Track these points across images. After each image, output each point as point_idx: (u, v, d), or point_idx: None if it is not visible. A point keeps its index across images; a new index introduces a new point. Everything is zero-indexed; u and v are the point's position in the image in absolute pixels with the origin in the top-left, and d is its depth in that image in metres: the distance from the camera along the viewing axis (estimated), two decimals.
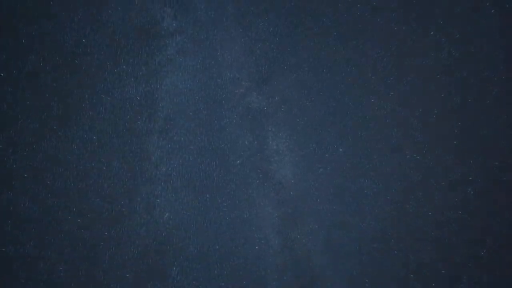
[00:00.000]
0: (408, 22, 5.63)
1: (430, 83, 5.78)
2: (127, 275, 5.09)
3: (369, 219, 5.80)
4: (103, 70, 4.87)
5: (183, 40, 5.05)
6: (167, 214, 5.14)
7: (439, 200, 5.63)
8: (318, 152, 5.63)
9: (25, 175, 4.77)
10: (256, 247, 5.55)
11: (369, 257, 5.61)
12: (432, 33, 5.60)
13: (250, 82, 5.26)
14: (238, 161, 5.39)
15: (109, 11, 4.77)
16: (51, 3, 4.73)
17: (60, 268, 4.97)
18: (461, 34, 5.45)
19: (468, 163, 5.47)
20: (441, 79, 5.76)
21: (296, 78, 5.42)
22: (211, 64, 5.09)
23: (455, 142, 5.62)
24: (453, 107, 5.68)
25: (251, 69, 5.26)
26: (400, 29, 5.63)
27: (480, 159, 5.45)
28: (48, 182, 4.91)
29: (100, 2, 4.76)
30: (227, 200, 5.46)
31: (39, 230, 4.97)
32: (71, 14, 4.79)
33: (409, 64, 5.83)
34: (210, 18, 5.04)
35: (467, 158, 5.51)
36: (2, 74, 4.24)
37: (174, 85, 5.00)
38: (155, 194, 5.29)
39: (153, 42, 5.05)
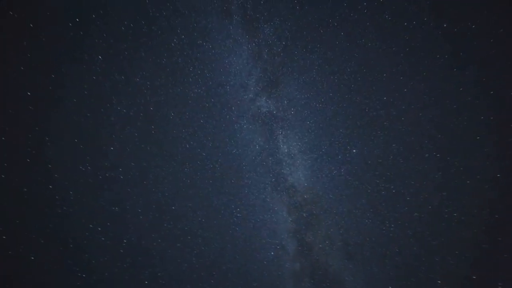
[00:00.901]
0: (419, 18, 4.98)
1: (446, 80, 5.06)
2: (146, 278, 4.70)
3: (389, 222, 5.11)
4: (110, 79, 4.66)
5: (192, 49, 4.76)
6: (180, 222, 4.75)
7: (463, 200, 4.85)
8: (331, 154, 5.09)
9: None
10: (272, 253, 5.09)
11: (391, 261, 4.91)
12: (444, 27, 4.89)
13: (258, 87, 4.92)
14: (250, 166, 4.95)
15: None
16: None
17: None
18: (472, 29, 4.69)
19: (491, 161, 4.65)
20: (458, 76, 5.05)
21: (305, 81, 4.98)
22: (220, 72, 4.79)
23: (476, 140, 4.84)
24: (471, 104, 4.92)
25: (259, 74, 4.92)
26: (410, 25, 4.99)
27: (506, 159, 4.61)
28: None
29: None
30: (240, 205, 5.06)
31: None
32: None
33: (422, 61, 5.15)
34: (217, 27, 4.72)
35: (489, 157, 4.70)
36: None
37: (184, 93, 4.70)
38: (169, 202, 4.96)
39: (165, 53, 4.79)
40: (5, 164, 4.72)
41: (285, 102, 5.03)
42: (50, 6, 4.61)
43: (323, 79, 5.17)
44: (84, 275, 4.92)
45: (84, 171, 4.89)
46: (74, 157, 4.80)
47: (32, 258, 4.87)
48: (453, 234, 4.59)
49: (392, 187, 5.08)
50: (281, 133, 5.02)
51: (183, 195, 5.04)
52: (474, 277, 4.07)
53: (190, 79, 4.91)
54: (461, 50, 4.78)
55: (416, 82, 5.10)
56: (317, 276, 4.83)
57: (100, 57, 4.74)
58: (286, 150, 4.97)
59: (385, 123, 5.13)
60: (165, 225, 5.09)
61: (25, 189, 4.83)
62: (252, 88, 4.92)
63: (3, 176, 4.72)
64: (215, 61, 4.86)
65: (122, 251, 5.02)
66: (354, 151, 5.01)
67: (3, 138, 4.59)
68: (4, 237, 4.81)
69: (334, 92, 5.16)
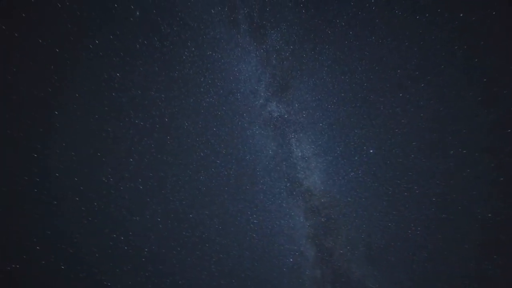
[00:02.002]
0: (432, 10, 4.30)
1: (467, 72, 4.30)
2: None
3: (414, 225, 4.32)
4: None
5: (202, 60, 4.43)
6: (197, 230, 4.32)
7: (497, 199, 3.99)
8: (346, 156, 4.47)
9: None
10: (291, 259, 4.49)
11: (420, 267, 4.10)
12: (460, 17, 4.18)
13: (268, 92, 4.51)
14: (264, 172, 4.44)
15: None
16: None
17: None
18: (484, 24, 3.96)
19: None
20: (478, 67, 4.28)
21: (315, 83, 4.46)
22: (230, 80, 4.41)
23: (507, 133, 4.00)
24: (498, 95, 4.12)
25: (269, 80, 4.51)
26: (423, 19, 4.32)
27: None
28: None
29: None
30: (256, 211, 4.55)
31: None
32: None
33: (438, 54, 4.43)
34: (225, 37, 4.39)
35: None
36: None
37: (197, 103, 4.35)
38: (186, 210, 4.54)
39: (176, 65, 4.49)
40: (37, 179, 4.55)
41: (296, 105, 4.52)
42: (74, 31, 4.47)
43: (333, 80, 4.63)
44: (109, 284, 4.56)
45: (107, 183, 4.63)
46: (97, 169, 4.58)
47: (62, 267, 4.60)
48: (489, 237, 3.70)
49: (415, 187, 4.32)
50: (294, 137, 4.49)
51: (200, 203, 4.62)
52: None
53: (202, 89, 4.59)
54: (479, 40, 4.01)
55: (433, 76, 4.38)
56: (339, 284, 4.12)
57: (118, 74, 4.52)
58: (299, 154, 4.43)
59: (402, 120, 4.44)
60: (184, 233, 4.68)
61: (55, 202, 4.62)
62: (262, 94, 4.53)
63: (35, 190, 4.55)
64: (225, 70, 4.50)
65: (143, 259, 4.66)
66: (371, 151, 4.32)
67: (34, 155, 4.45)
68: (37, 247, 4.62)
69: (346, 92, 4.57)
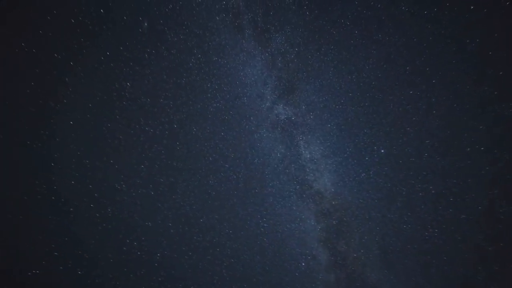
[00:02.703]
0: (441, 4, 3.92)
1: (482, 66, 3.89)
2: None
3: (431, 226, 3.89)
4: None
5: (208, 66, 4.26)
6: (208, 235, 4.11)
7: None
8: (356, 156, 4.12)
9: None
10: (303, 263, 4.15)
11: (439, 271, 3.67)
12: (471, 9, 3.78)
13: (275, 95, 4.28)
14: (272, 175, 4.16)
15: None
16: None
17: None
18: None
19: None
20: (493, 61, 3.85)
21: (321, 84, 4.17)
22: (236, 85, 4.20)
23: None
24: (510, 93, 3.69)
25: (275, 83, 4.28)
26: (432, 13, 3.95)
27: None
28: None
29: None
30: (266, 215, 4.28)
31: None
32: None
33: (449, 49, 4.04)
34: (230, 42, 4.20)
35: None
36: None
37: (204, 109, 4.16)
38: (197, 214, 4.32)
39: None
40: (55, 187, 4.47)
41: (303, 107, 4.24)
42: (86, 45, 4.41)
43: (340, 80, 4.32)
44: None
45: (120, 189, 4.48)
46: (110, 177, 4.44)
47: (79, 272, 4.45)
48: None
49: (430, 187, 3.91)
50: (302, 139, 4.20)
51: (210, 207, 4.38)
52: None
53: (209, 95, 4.40)
54: (492, 32, 3.59)
55: (446, 71, 3.98)
56: None
57: (128, 84, 4.40)
58: (308, 156, 4.13)
59: (414, 118, 4.06)
60: (195, 237, 4.45)
61: (72, 209, 4.50)
62: (268, 97, 4.31)
63: (53, 197, 4.47)
64: (231, 75, 4.29)
65: (156, 264, 4.45)
66: (382, 151, 3.94)
67: (52, 164, 4.37)
68: (55, 253, 4.51)
69: (354, 92, 4.25)
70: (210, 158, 4.90)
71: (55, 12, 4.60)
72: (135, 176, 4.96)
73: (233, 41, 4.83)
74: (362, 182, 4.21)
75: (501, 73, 3.89)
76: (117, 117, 4.83)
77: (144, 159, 4.90)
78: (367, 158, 4.24)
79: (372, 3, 4.45)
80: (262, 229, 4.55)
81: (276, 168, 4.67)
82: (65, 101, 4.80)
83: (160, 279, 4.81)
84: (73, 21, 4.48)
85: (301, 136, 4.58)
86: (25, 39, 4.31)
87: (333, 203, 4.22)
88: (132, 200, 4.95)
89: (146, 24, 4.76)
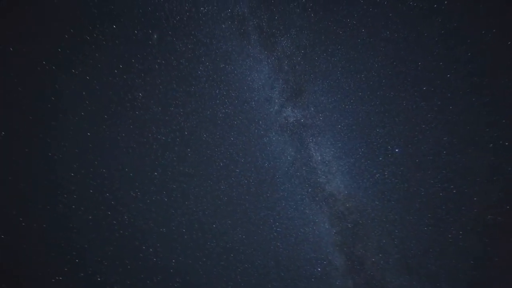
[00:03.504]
0: (448, 1, 3.55)
1: (498, 56, 3.43)
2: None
3: (455, 228, 3.42)
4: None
5: (216, 73, 4.09)
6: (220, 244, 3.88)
7: None
8: (370, 157, 3.75)
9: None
10: (319, 269, 3.80)
11: (467, 276, 3.19)
12: (480, 7, 3.39)
13: (283, 98, 4.04)
14: (284, 178, 3.86)
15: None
16: None
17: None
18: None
19: None
20: (502, 57, 3.42)
21: (329, 84, 3.87)
22: (244, 90, 3.99)
23: None
24: None
25: (282, 86, 4.06)
26: (442, 6, 3.57)
27: None
28: None
29: None
30: (279, 219, 3.98)
31: None
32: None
33: (464, 41, 3.62)
34: (237, 49, 4.02)
35: None
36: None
37: (213, 115, 3.96)
38: (209, 220, 4.08)
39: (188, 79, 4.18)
40: (75, 196, 4.37)
41: (312, 108, 3.95)
42: (102, 59, 4.36)
43: (349, 80, 3.99)
44: None
45: (135, 197, 4.32)
46: (126, 185, 4.30)
47: (99, 279, 4.29)
48: None
49: (451, 187, 3.45)
50: (312, 141, 3.89)
51: (222, 212, 4.14)
52: None
53: (218, 101, 4.21)
54: (510, 22, 3.14)
55: (461, 65, 3.58)
56: None
57: (140, 94, 4.28)
58: (319, 158, 3.80)
59: (429, 115, 3.64)
60: (208, 243, 4.21)
61: (90, 217, 4.38)
62: (276, 100, 4.08)
63: (73, 206, 4.37)
64: (238, 80, 4.10)
65: (172, 271, 4.23)
66: (396, 150, 3.53)
67: (72, 174, 4.31)
68: (76, 260, 4.38)
69: (364, 91, 3.90)
70: (221, 164, 4.68)
71: (72, 31, 4.60)
72: (149, 183, 4.81)
73: (239, 47, 4.65)
74: (377, 183, 3.81)
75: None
76: (131, 126, 4.74)
77: (157, 166, 4.77)
78: (381, 158, 3.85)
79: (378, 0, 4.12)
80: (275, 234, 4.23)
81: (287, 171, 4.37)
82: (82, 113, 4.79)
83: (176, 285, 4.59)
84: (88, 37, 4.48)
85: (311, 138, 4.26)
86: (42, 55, 4.30)
87: (347, 205, 3.84)
88: (147, 207, 4.80)
89: (155, 36, 4.68)
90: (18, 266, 4.56)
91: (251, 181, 4.66)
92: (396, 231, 3.88)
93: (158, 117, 4.89)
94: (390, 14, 4.18)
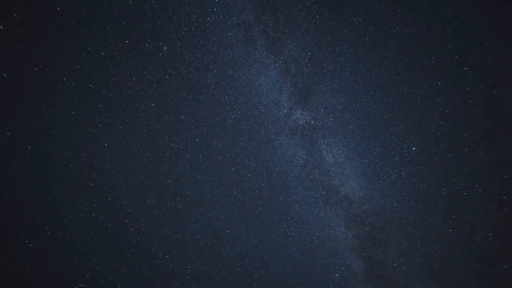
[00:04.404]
0: None
1: None
2: None
3: (483, 230, 3.02)
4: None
5: (224, 80, 3.98)
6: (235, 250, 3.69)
7: None
8: (385, 156, 3.45)
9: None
10: (337, 274, 3.50)
11: (499, 281, 2.76)
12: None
13: (291, 101, 3.86)
14: (296, 181, 3.64)
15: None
16: None
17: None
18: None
19: None
20: None
21: (338, 85, 3.64)
22: (252, 95, 3.85)
23: None
24: None
25: (290, 89, 3.89)
26: (449, 0, 3.31)
27: None
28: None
29: None
30: (293, 223, 3.75)
31: None
32: None
33: (481, 32, 3.28)
34: (244, 55, 3.90)
35: None
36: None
37: (223, 121, 3.84)
38: (223, 226, 3.90)
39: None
40: (94, 205, 4.36)
41: (322, 110, 3.72)
42: (116, 73, 4.39)
43: (358, 79, 3.74)
44: None
45: (151, 204, 4.25)
46: (142, 193, 4.24)
47: (118, 286, 4.19)
48: None
49: (476, 185, 3.08)
50: (324, 143, 3.63)
51: (235, 218, 3.95)
52: None
53: (227, 107, 4.09)
54: None
55: (479, 57, 3.22)
56: None
57: (153, 104, 4.25)
58: (332, 160, 3.54)
59: (446, 111, 3.30)
60: (223, 249, 4.02)
61: (109, 225, 4.34)
62: (285, 104, 3.93)
63: (93, 215, 4.35)
64: (246, 86, 3.97)
65: (188, 277, 4.08)
66: (413, 149, 3.20)
67: (91, 184, 4.32)
68: (97, 267, 4.33)
69: (375, 89, 3.62)
70: (232, 169, 4.52)
71: (88, 48, 4.67)
72: (163, 191, 4.73)
73: (246, 53, 4.53)
74: (394, 184, 3.48)
75: None
76: (145, 136, 4.71)
77: (170, 174, 4.68)
78: (397, 158, 3.53)
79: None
80: (290, 239, 3.97)
81: (299, 174, 4.13)
82: (99, 125, 4.82)
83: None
84: (103, 53, 4.53)
85: (322, 139, 4.00)
86: (61, 73, 4.37)
87: (364, 208, 3.53)
88: (162, 214, 4.70)
89: (165, 48, 4.66)
90: (44, 274, 4.58)
91: (263, 185, 4.45)
92: (418, 234, 3.52)
93: (170, 126, 4.83)
94: (399, 10, 3.91)
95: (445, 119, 3.62)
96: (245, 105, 4.67)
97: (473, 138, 3.43)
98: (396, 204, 3.57)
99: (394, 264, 3.39)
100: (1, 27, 3.32)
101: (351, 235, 3.66)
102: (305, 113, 4.28)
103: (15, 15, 3.79)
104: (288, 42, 4.48)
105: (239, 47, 4.64)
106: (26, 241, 4.76)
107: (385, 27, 4.00)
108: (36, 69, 4.59)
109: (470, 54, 3.57)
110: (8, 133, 4.16)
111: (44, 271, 4.44)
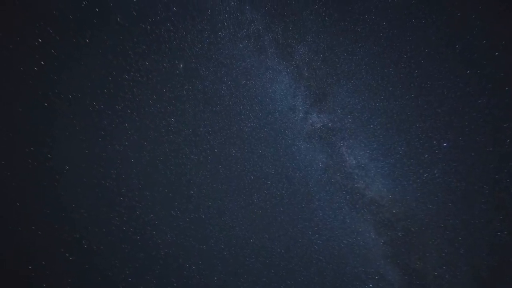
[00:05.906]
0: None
1: None
2: None
3: None
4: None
5: (238, 90, 3.88)
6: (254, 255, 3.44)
7: None
8: (413, 155, 3.05)
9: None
10: (370, 285, 3.08)
11: None
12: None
13: (306, 105, 3.61)
14: (318, 186, 3.34)
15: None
16: None
17: None
18: None
19: None
20: None
21: (354, 84, 3.36)
22: (266, 102, 3.70)
23: None
24: None
25: (304, 93, 3.71)
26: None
27: None
28: None
29: None
30: (318, 230, 3.43)
31: None
32: None
33: (506, 16, 2.80)
34: (256, 64, 3.80)
35: None
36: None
37: (240, 130, 3.70)
38: (246, 235, 3.69)
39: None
40: (124, 218, 4.36)
41: (339, 111, 3.43)
42: (139, 93, 4.46)
43: (375, 76, 3.40)
44: None
45: (175, 216, 4.15)
46: (167, 205, 4.18)
47: None
48: None
49: None
50: (344, 145, 3.31)
51: (258, 226, 3.73)
52: None
53: (243, 116, 3.95)
54: None
55: (508, 42, 2.74)
56: None
57: (172, 119, 4.23)
58: (354, 162, 3.19)
59: (479, 101, 2.83)
60: (247, 259, 3.77)
61: (138, 237, 4.29)
62: (300, 108, 3.75)
63: (124, 228, 4.34)
64: (260, 94, 3.85)
65: None
66: (444, 145, 2.76)
67: (120, 198, 4.34)
68: (129, 279, 4.29)
69: (394, 85, 3.25)
70: (252, 177, 4.32)
71: (114, 73, 4.82)
72: (187, 202, 4.64)
73: (257, 62, 4.40)
74: (427, 184, 3.04)
75: None
76: (167, 150, 4.67)
77: (192, 185, 4.60)
78: (426, 156, 3.09)
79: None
80: (316, 247, 3.62)
81: (320, 179, 3.80)
82: (126, 143, 4.87)
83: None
84: (126, 76, 4.64)
85: (341, 142, 3.67)
86: (93, 97, 4.51)
87: (394, 211, 3.10)
88: (186, 225, 4.59)
89: (181, 65, 4.68)
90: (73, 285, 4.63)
91: (283, 192, 4.18)
92: (460, 238, 3.01)
93: (189, 139, 4.78)
94: (413, 1, 3.54)
95: (478, 110, 3.13)
96: (260, 113, 4.50)
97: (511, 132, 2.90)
98: (431, 206, 3.10)
99: (435, 273, 2.90)
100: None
101: (382, 241, 3.22)
102: (322, 115, 3.99)
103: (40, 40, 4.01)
104: (299, 46, 4.27)
105: (250, 57, 4.53)
106: (67, 255, 4.85)
107: (400, 20, 3.65)
108: (70, 96, 4.81)
109: (500, 38, 3.10)
110: (47, 152, 4.34)
111: (80, 284, 4.47)
